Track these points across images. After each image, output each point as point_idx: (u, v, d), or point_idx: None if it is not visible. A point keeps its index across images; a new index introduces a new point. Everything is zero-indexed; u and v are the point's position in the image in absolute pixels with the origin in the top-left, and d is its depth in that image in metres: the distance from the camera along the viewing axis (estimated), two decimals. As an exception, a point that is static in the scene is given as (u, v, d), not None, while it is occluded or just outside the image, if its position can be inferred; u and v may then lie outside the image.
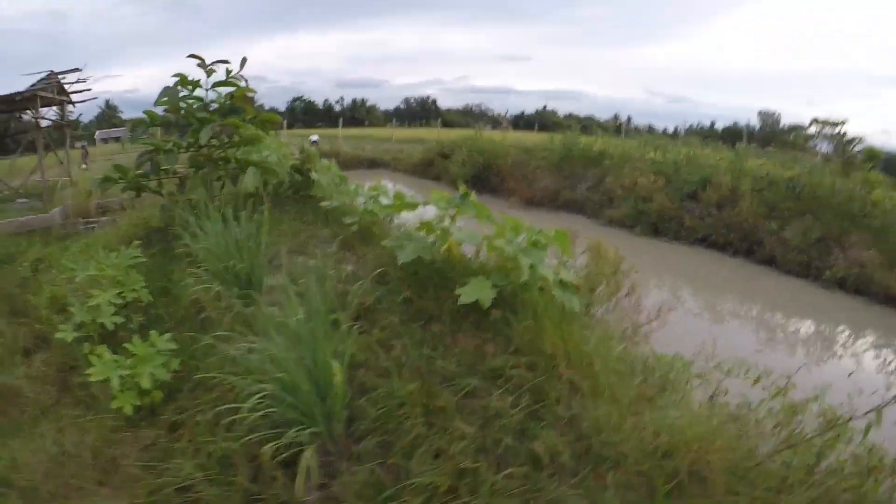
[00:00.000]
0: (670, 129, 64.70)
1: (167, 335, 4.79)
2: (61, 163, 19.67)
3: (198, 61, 7.95)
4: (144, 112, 7.88)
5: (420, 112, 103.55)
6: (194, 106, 7.96)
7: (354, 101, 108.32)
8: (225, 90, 8.19)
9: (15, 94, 16.51)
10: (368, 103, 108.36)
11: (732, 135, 65.17)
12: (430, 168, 30.29)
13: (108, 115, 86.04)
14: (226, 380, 4.01)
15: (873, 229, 15.21)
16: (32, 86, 17.19)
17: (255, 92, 8.46)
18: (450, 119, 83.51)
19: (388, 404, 3.76)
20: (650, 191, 19.63)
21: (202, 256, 6.24)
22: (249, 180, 7.54)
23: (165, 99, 7.53)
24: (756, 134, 75.75)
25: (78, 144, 24.95)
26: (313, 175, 8.64)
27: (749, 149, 27.05)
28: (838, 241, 15.25)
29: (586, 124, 78.40)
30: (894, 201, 16.04)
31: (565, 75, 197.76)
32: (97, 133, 43.67)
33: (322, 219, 7.95)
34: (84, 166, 23.83)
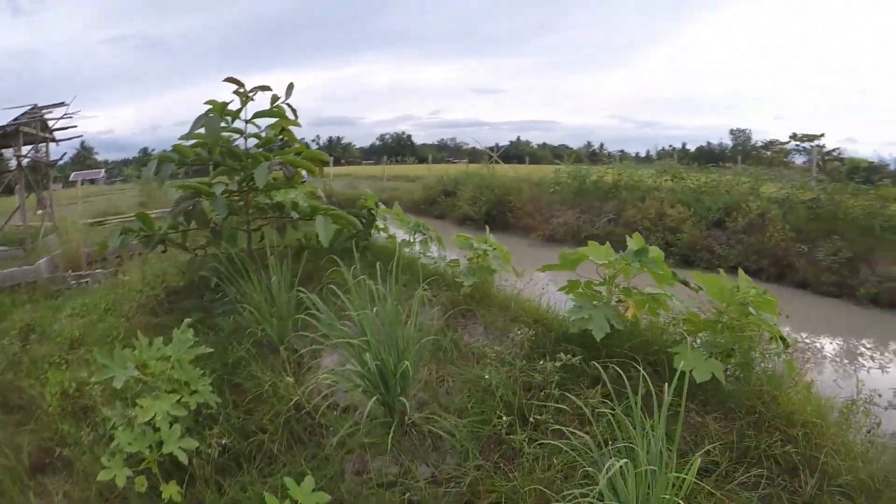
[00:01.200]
0: (643, 153, 64.78)
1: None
2: (43, 208, 17.64)
3: (234, 87, 6.37)
4: (174, 147, 6.20)
5: (396, 148, 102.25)
6: (234, 139, 6.32)
7: (331, 139, 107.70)
8: (264, 121, 6.58)
9: None
10: (344, 141, 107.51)
11: (706, 155, 65.21)
12: (433, 206, 28.25)
13: (83, 156, 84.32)
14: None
15: (896, 243, 15.25)
16: (15, 120, 15.27)
17: (300, 125, 6.82)
18: (425, 154, 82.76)
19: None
20: (678, 221, 18.80)
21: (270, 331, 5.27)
22: (324, 232, 5.90)
23: (201, 131, 5.88)
24: (729, 152, 76.14)
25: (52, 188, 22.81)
26: (379, 222, 6.96)
27: (734, 168, 27.87)
28: (865, 258, 15.04)
29: (560, 153, 79.31)
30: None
31: (536, 106, 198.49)
32: (72, 175, 41.64)
33: (407, 275, 6.40)
34: (40, 212, 21.61)
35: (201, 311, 6.11)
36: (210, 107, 6.34)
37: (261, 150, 6.57)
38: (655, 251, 4.55)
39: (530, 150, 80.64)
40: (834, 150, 44.76)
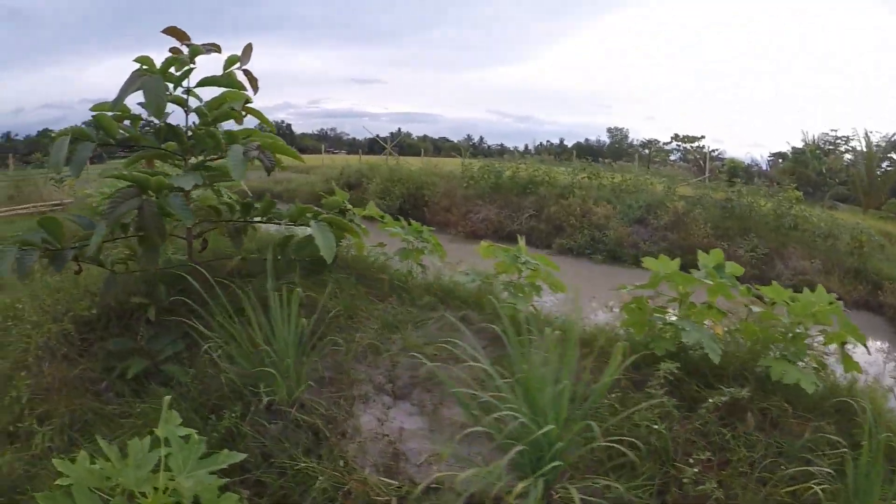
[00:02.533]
0: (521, 147, 65.20)
1: None
2: None
3: (178, 43, 4.49)
4: (96, 119, 4.18)
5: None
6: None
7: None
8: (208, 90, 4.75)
9: None
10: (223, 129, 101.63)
11: (584, 150, 66.14)
12: (336, 200, 25.78)
13: None
14: None
15: (804, 241, 17.35)
16: None
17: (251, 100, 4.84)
18: (305, 144, 79.87)
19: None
20: (604, 219, 18.83)
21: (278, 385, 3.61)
22: (325, 244, 4.21)
23: (145, 98, 3.96)
24: (606, 149, 77.98)
25: None
26: (356, 227, 5.07)
27: (617, 165, 28.86)
28: (780, 254, 16.95)
29: (440, 145, 78.46)
30: (811, 214, 18.69)
31: (417, 98, 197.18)
32: None
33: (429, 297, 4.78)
34: None
35: (139, 355, 4.16)
36: (140, 65, 4.33)
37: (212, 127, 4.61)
38: (733, 266, 4.31)
39: (411, 141, 78.44)
40: (713, 150, 46.62)
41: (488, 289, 4.85)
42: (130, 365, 4.03)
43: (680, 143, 58.40)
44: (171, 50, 4.56)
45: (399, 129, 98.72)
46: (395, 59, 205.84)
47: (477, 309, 4.72)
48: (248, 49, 4.66)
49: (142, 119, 4.67)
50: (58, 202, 19.61)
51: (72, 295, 5.05)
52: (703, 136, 56.85)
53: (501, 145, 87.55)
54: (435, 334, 4.31)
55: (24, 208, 19.17)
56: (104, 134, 4.21)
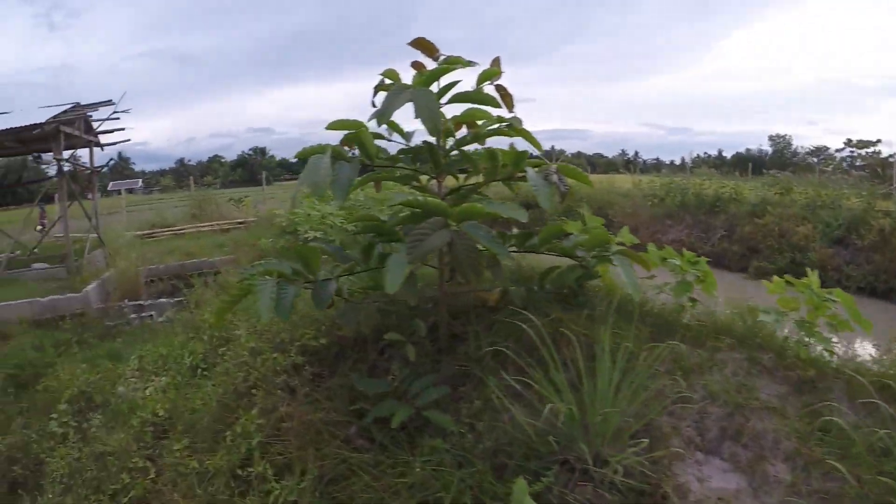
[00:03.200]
0: (677, 161, 62.06)
1: None
2: (89, 218, 15.15)
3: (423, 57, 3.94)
4: (357, 137, 3.68)
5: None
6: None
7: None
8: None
9: (32, 126, 12.06)
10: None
11: (744, 161, 61.66)
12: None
13: (121, 165, 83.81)
14: None
15: None
16: (54, 118, 12.75)
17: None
18: None
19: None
20: (805, 239, 16.76)
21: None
22: (632, 281, 3.61)
23: (419, 114, 3.31)
24: (769, 158, 72.64)
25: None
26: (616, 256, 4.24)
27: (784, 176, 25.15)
28: None
29: (595, 161, 76.35)
30: None
31: (567, 114, 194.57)
32: (110, 184, 39.90)
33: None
34: (39, 228, 19.25)
35: (392, 397, 3.63)
36: (382, 79, 3.85)
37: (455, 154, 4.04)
38: None
39: (566, 158, 77.01)
40: (890, 156, 41.96)
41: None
42: (394, 412, 3.43)
43: (854, 149, 53.67)
44: (413, 65, 4.03)
45: (553, 147, 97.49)
46: (542, 77, 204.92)
47: (773, 351, 3.83)
48: (497, 62, 4.03)
49: (383, 137, 4.15)
50: (241, 220, 20.31)
51: (293, 322, 4.64)
52: (878, 141, 51.95)
53: (657, 159, 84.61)
54: (733, 380, 3.51)
55: (209, 225, 20.01)
56: (362, 154, 3.72)
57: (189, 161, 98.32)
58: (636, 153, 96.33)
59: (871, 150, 50.21)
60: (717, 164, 66.82)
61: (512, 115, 4.09)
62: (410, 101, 3.36)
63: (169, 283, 12.96)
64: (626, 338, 3.73)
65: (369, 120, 3.59)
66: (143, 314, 9.34)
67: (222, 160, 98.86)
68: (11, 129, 12.21)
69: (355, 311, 4.00)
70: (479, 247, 3.33)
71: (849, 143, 55.27)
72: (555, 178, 3.51)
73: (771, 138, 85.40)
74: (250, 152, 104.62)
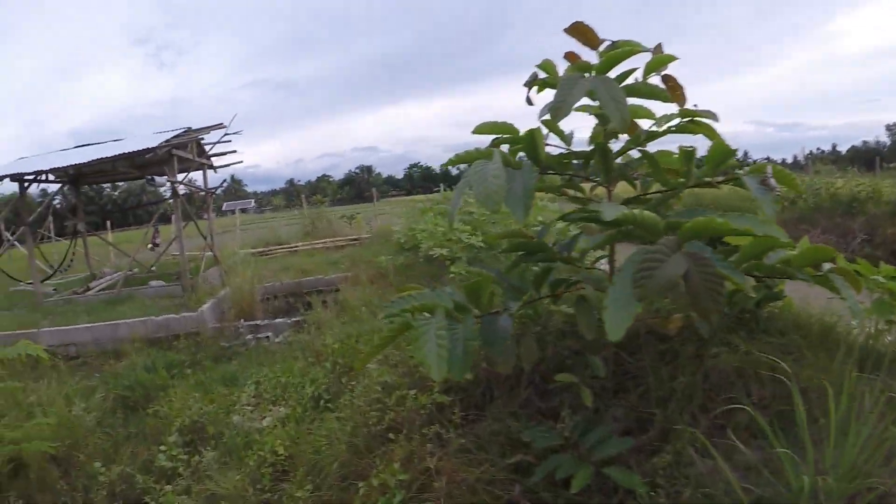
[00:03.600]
0: (789, 159, 58.25)
1: None
2: (204, 237, 15.18)
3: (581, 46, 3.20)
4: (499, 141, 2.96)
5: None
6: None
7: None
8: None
9: (145, 150, 12.06)
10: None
11: (861, 155, 56.88)
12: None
13: (234, 187, 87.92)
14: None
15: None
16: (167, 142, 12.75)
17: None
18: None
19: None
20: None
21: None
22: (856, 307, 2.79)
23: (604, 106, 2.59)
24: (886, 151, 67.06)
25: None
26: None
27: None
28: None
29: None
30: None
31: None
32: (224, 204, 41.41)
33: None
34: (151, 246, 19.54)
35: (563, 451, 2.85)
36: (541, 73, 3.10)
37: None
38: None
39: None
40: None
41: None
42: (569, 470, 2.64)
43: None
44: (566, 56, 3.22)
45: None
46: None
47: None
48: (659, 49, 3.17)
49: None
50: (354, 237, 20.07)
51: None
52: None
53: (768, 158, 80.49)
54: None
55: (322, 242, 19.85)
56: (530, 159, 2.98)
57: (298, 181, 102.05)
58: (745, 153, 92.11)
59: None
60: (833, 159, 62.91)
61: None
62: (589, 91, 2.60)
63: (285, 300, 12.66)
64: (830, 373, 2.80)
65: (542, 116, 2.94)
66: (260, 335, 8.94)
67: (330, 179, 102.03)
68: (125, 153, 12.29)
69: (513, 345, 3.20)
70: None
71: None
72: (772, 182, 2.64)
73: (888, 128, 79.28)
74: (357, 171, 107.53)
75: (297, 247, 19.74)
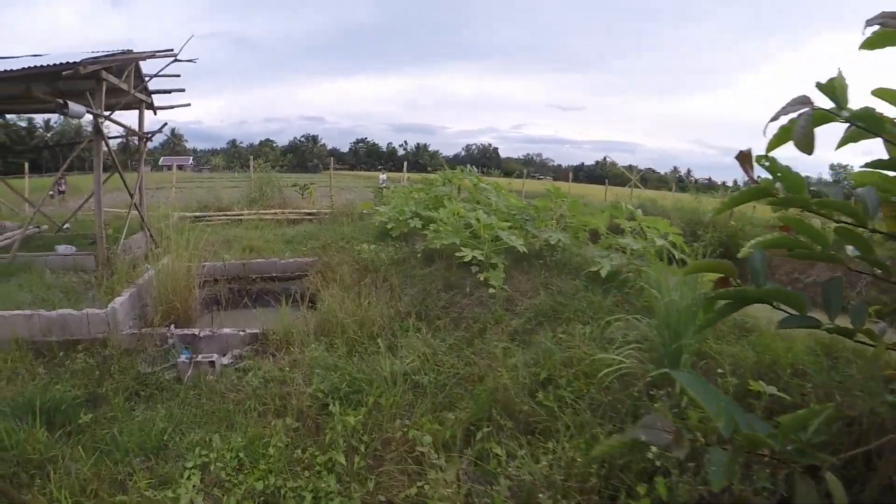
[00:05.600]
0: (729, 182, 57.93)
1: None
2: (130, 194, 11.57)
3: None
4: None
5: (481, 159, 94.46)
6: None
7: (418, 145, 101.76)
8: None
9: (64, 66, 8.31)
10: (431, 148, 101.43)
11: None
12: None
13: (173, 142, 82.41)
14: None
15: None
16: (96, 59, 9.08)
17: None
18: (510, 168, 79.12)
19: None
20: None
21: None
22: None
23: None
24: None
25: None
26: None
27: None
28: None
29: (647, 177, 71.94)
30: None
31: (615, 126, 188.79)
32: (161, 158, 37.49)
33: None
34: (52, 194, 15.97)
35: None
36: None
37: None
38: None
39: (618, 171, 72.31)
40: None
41: None
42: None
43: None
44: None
45: (605, 158, 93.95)
46: (595, 87, 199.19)
47: None
48: None
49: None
50: (310, 211, 16.80)
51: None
52: None
53: (709, 179, 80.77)
54: None
55: (272, 213, 16.52)
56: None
57: (241, 143, 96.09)
58: (688, 171, 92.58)
59: None
60: (777, 192, 62.13)
61: None
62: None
63: (228, 287, 9.50)
64: None
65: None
66: (199, 357, 5.77)
67: (274, 144, 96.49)
68: (34, 68, 8.56)
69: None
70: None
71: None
72: None
73: (832, 167, 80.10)
74: (302, 139, 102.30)
75: (241, 215, 16.38)
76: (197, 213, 15.99)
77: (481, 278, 6.64)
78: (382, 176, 30.61)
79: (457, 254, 6.98)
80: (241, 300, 9.33)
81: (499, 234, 7.02)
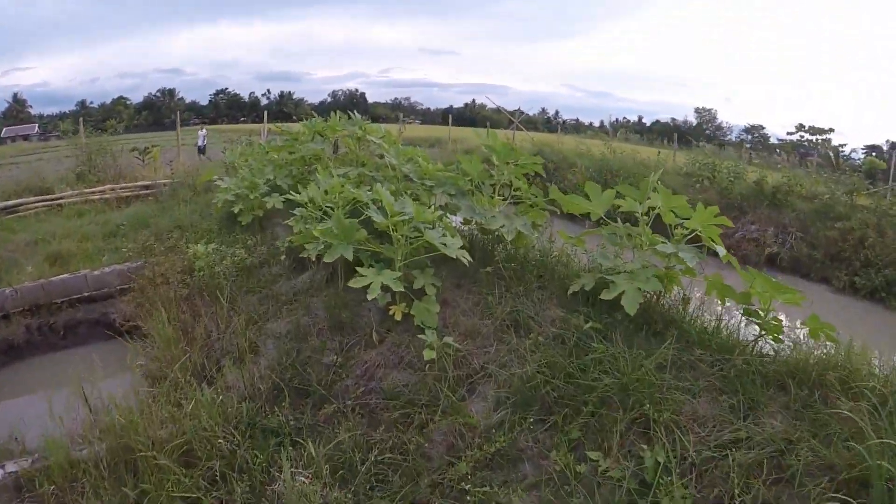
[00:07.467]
0: (596, 123, 58.12)
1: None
2: None
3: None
4: None
5: (348, 105, 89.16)
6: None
7: (282, 94, 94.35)
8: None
9: None
10: (295, 96, 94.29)
11: (668, 131, 57.94)
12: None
13: (16, 109, 72.10)
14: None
15: None
16: None
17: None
18: (378, 113, 76.43)
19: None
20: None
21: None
22: None
23: None
24: (693, 131, 69.37)
25: None
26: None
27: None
28: None
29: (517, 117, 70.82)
30: None
31: (488, 71, 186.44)
32: (3, 130, 31.68)
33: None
34: None
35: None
36: None
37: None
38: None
39: (487, 113, 70.27)
40: (841, 145, 39.27)
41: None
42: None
43: (805, 134, 50.22)
44: None
45: (473, 101, 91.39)
46: (465, 31, 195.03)
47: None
48: None
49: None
50: (146, 184, 12.97)
51: None
52: (831, 129, 49.20)
53: (577, 120, 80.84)
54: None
55: (100, 191, 12.52)
56: None
57: (91, 103, 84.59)
58: (556, 112, 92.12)
59: (823, 136, 47.59)
60: (638, 130, 63.54)
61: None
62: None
63: (24, 326, 6.46)
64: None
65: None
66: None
67: (128, 102, 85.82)
68: None
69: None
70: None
71: (800, 128, 52.17)
72: None
73: (697, 111, 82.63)
74: (157, 94, 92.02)
75: (62, 198, 12.37)
76: (8, 203, 11.61)
77: (396, 316, 3.78)
78: (202, 132, 25.66)
79: (351, 282, 4.00)
80: (44, 339, 6.70)
81: (423, 234, 4.06)
